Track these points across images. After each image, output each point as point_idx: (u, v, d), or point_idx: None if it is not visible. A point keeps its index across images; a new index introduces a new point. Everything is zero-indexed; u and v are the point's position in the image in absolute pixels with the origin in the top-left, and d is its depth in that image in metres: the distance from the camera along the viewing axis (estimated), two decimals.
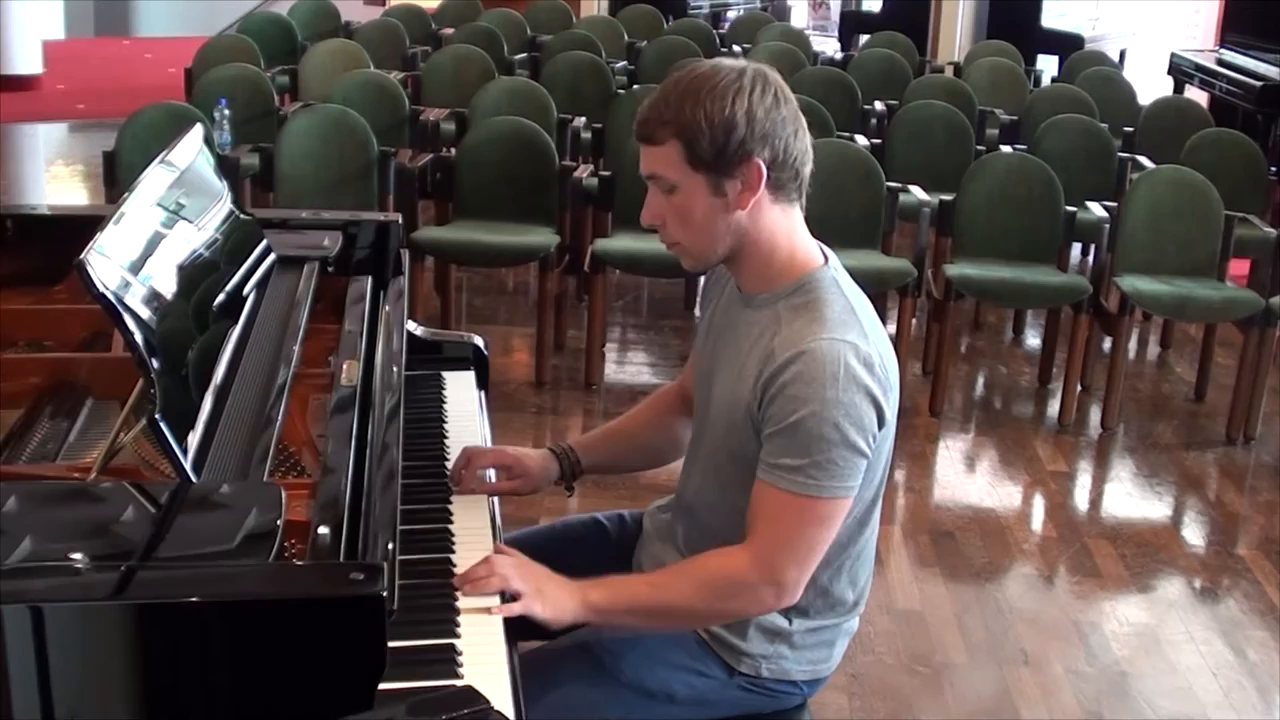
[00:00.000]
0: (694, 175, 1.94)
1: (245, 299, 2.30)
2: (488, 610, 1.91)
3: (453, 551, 2.11)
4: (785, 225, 2.02)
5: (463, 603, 1.91)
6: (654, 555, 2.27)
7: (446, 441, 2.50)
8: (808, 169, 2.00)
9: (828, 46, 11.02)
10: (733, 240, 2.00)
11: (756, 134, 1.92)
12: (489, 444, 2.57)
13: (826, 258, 2.07)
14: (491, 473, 2.34)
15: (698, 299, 3.26)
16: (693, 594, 2.02)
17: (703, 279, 2.35)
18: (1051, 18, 10.80)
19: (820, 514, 1.96)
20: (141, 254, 1.96)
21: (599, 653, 2.09)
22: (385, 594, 1.52)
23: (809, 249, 2.06)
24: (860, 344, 1.94)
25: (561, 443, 2.41)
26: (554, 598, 1.96)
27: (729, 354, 2.08)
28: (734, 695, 2.14)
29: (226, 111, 5.91)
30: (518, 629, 1.93)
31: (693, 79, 1.94)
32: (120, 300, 1.79)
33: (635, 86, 7.32)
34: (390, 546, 1.78)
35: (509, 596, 1.94)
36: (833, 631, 2.18)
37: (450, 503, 2.25)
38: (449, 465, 2.39)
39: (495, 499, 2.31)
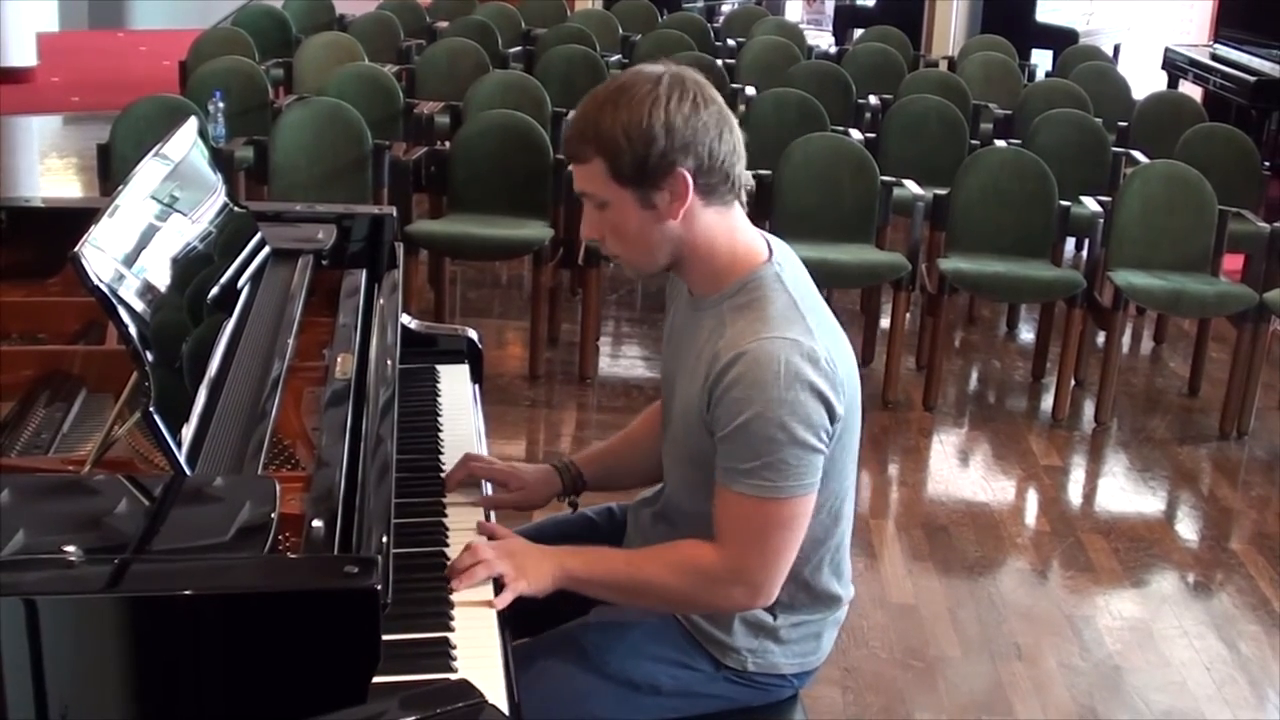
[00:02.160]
0: (621, 190, 1.92)
1: (239, 292, 2.30)
2: (488, 604, 1.91)
3: (446, 545, 2.10)
4: (723, 226, 2.00)
5: (457, 596, 1.91)
6: None
7: (441, 435, 2.50)
8: (739, 167, 1.97)
9: (822, 40, 11.03)
10: (671, 249, 1.98)
11: (677, 144, 1.89)
12: (483, 437, 2.57)
13: (772, 252, 2.04)
14: (489, 487, 2.32)
15: None
16: (666, 576, 2.02)
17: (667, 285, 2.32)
18: (1046, 12, 10.79)
19: (781, 515, 1.95)
20: (136, 247, 1.96)
21: (586, 646, 2.10)
22: (379, 587, 1.52)
23: (752, 246, 2.04)
24: (803, 340, 1.92)
25: (563, 458, 2.39)
26: (534, 571, 1.98)
27: (683, 358, 2.07)
28: (721, 688, 2.14)
29: (221, 104, 5.91)
30: (511, 624, 1.93)
31: (609, 93, 1.92)
32: (115, 293, 1.79)
33: None
34: (384, 540, 1.78)
35: (499, 584, 1.95)
36: (819, 624, 2.17)
37: (444, 496, 2.25)
38: (443, 458, 2.39)
39: (488, 485, 2.31)
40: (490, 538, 2.10)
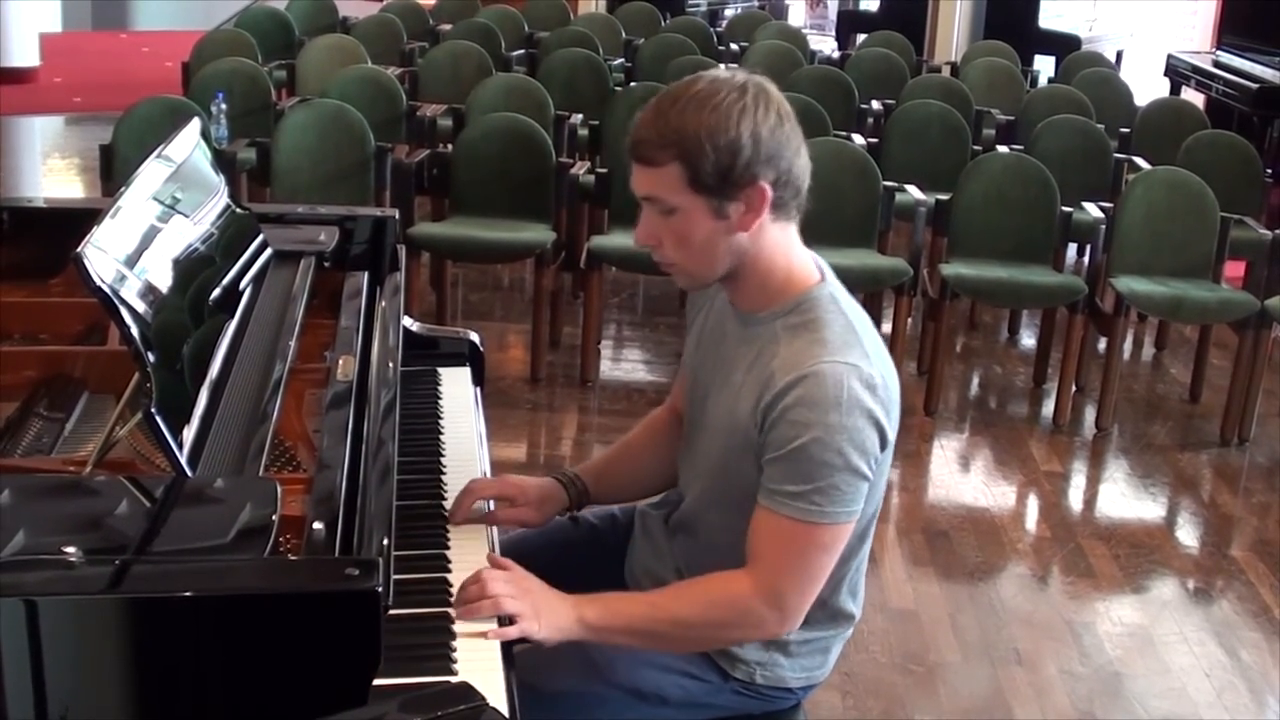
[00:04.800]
0: (695, 198, 1.87)
1: (241, 293, 2.30)
2: (484, 635, 1.85)
3: (447, 548, 2.10)
4: (784, 243, 1.97)
5: (459, 626, 1.87)
6: (646, 565, 2.23)
7: (442, 437, 2.50)
8: (806, 184, 1.95)
9: (825, 45, 11.02)
10: (732, 261, 1.94)
11: (762, 156, 1.85)
12: (484, 440, 2.56)
13: (823, 274, 2.02)
14: (492, 503, 2.25)
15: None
16: (693, 617, 1.98)
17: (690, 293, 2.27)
18: (1048, 18, 10.79)
19: (823, 540, 1.92)
20: (138, 248, 1.96)
21: (592, 653, 2.06)
22: (380, 589, 1.52)
23: (805, 265, 2.01)
24: (863, 365, 1.90)
25: (567, 470, 2.33)
26: (550, 618, 1.91)
27: (724, 372, 2.03)
28: (727, 699, 2.13)
29: (223, 106, 5.91)
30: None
31: (692, 96, 1.86)
32: (117, 294, 1.79)
33: (632, 84, 7.31)
34: (385, 542, 1.78)
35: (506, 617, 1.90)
36: (829, 640, 2.17)
37: (445, 499, 2.25)
38: (444, 461, 2.39)
39: (490, 502, 2.25)
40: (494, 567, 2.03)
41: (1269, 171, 6.45)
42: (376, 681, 1.53)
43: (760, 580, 1.94)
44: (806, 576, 1.95)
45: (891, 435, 1.94)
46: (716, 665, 2.11)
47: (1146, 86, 8.97)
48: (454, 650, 1.81)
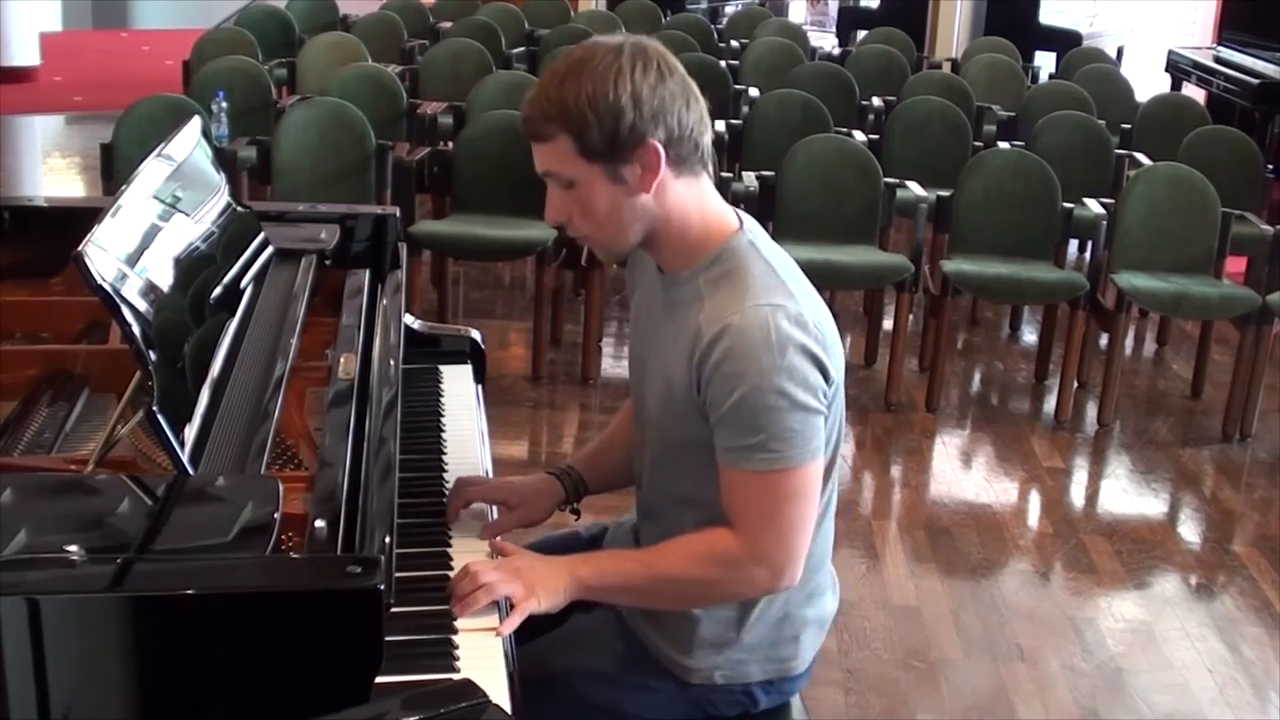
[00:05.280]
0: (589, 167, 1.85)
1: (243, 292, 2.30)
2: (494, 631, 1.85)
3: (449, 545, 2.10)
4: (694, 198, 1.93)
5: (461, 623, 1.86)
6: None
7: (444, 435, 2.50)
8: (707, 136, 1.91)
9: (825, 42, 11.02)
10: (643, 225, 1.91)
11: (646, 114, 1.82)
12: (485, 438, 2.56)
13: (742, 222, 1.99)
14: (495, 510, 2.23)
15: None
16: (684, 575, 1.96)
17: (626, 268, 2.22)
18: (1049, 14, 10.79)
19: (793, 486, 1.88)
20: (139, 246, 1.96)
21: (551, 670, 2.05)
22: (382, 587, 1.52)
23: (722, 217, 1.97)
24: (787, 304, 1.86)
25: (560, 464, 2.32)
26: (545, 588, 1.91)
27: (657, 340, 2.00)
28: (690, 703, 2.08)
29: (224, 104, 5.91)
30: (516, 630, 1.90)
31: (569, 66, 1.84)
32: (118, 292, 1.79)
33: None
34: (387, 540, 1.78)
35: (505, 602, 1.90)
36: (794, 624, 2.08)
37: (447, 497, 2.25)
38: (446, 459, 2.38)
39: (493, 508, 2.23)
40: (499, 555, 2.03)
41: (1270, 167, 6.44)
42: (378, 679, 1.53)
43: (742, 539, 1.91)
44: (786, 525, 1.91)
45: (835, 373, 1.91)
46: (669, 673, 2.06)
47: (1147, 82, 8.97)
48: (456, 648, 1.81)
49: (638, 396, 2.10)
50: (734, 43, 8.82)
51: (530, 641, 2.04)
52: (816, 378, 1.87)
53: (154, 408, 1.70)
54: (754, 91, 7.02)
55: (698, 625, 2.04)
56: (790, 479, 1.88)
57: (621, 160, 1.85)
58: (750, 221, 2.01)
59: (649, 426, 2.06)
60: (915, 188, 5.56)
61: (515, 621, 1.87)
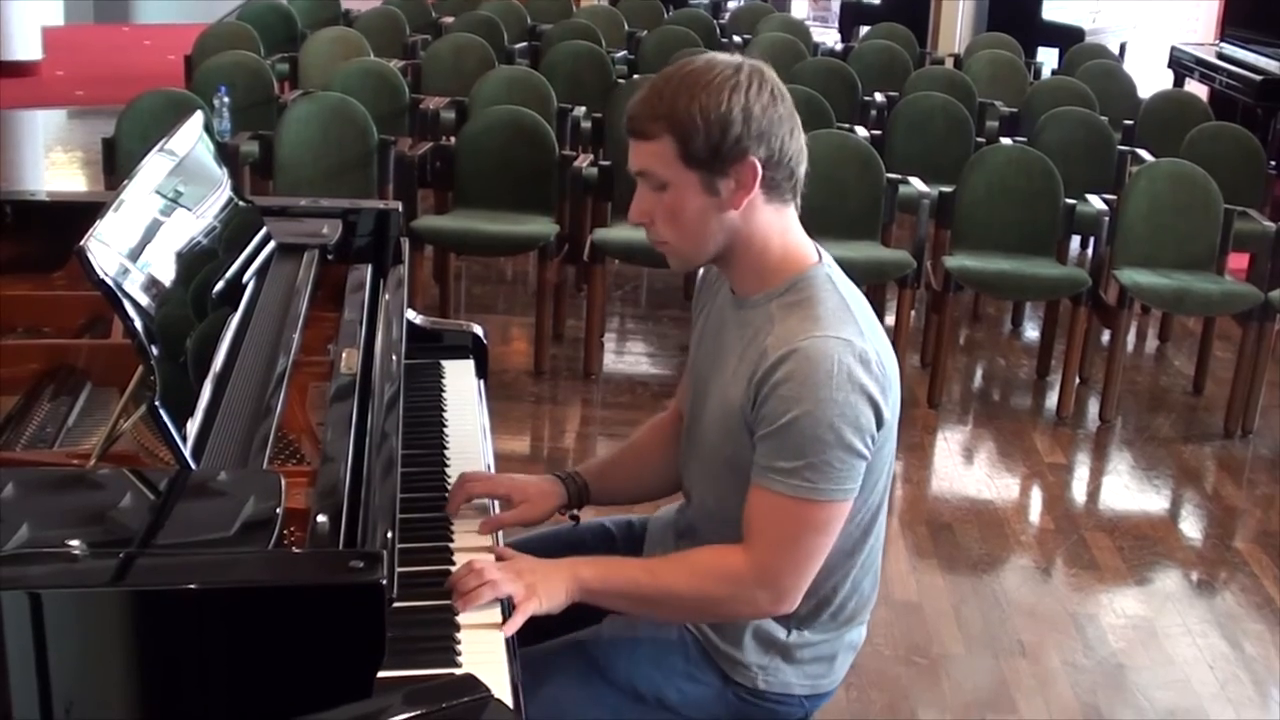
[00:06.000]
0: (687, 172, 1.88)
1: (245, 286, 2.30)
2: (497, 626, 1.85)
3: (451, 540, 2.10)
4: (778, 225, 1.97)
5: (463, 618, 1.86)
6: None
7: (446, 430, 2.50)
8: (802, 168, 1.96)
9: (828, 38, 11.01)
10: (723, 240, 1.94)
11: (753, 132, 1.87)
12: (488, 433, 2.55)
13: (820, 256, 2.02)
14: (496, 505, 2.23)
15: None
16: (685, 588, 1.97)
17: (698, 279, 2.26)
18: (1052, 10, 10.78)
19: (817, 518, 1.90)
20: (141, 241, 1.96)
21: (594, 652, 2.06)
22: (384, 582, 1.52)
23: (802, 247, 2.01)
24: (856, 340, 1.88)
25: (566, 469, 2.32)
26: (547, 590, 1.92)
27: (721, 359, 2.02)
28: (729, 705, 2.10)
29: (226, 99, 5.91)
30: (520, 630, 1.90)
31: (687, 73, 1.89)
32: (120, 287, 1.79)
33: (635, 76, 7.30)
34: (389, 535, 1.78)
35: (506, 603, 1.90)
36: (833, 644, 2.12)
37: (449, 492, 2.24)
38: (448, 454, 2.38)
39: (495, 503, 2.23)
40: (498, 559, 2.03)
41: (1273, 164, 6.44)
42: (380, 674, 1.53)
43: (754, 558, 1.93)
44: (801, 555, 1.92)
45: (889, 415, 1.92)
46: (716, 666, 2.08)
47: (1150, 79, 8.95)
48: (458, 642, 1.81)
49: (694, 419, 2.12)
50: (736, 38, 8.81)
51: (531, 644, 2.03)
52: (869, 420, 1.88)
53: (156, 402, 1.70)
54: None
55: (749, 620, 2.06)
56: (816, 511, 1.90)
57: (720, 172, 1.89)
58: (828, 257, 2.04)
59: (703, 442, 2.07)
60: (917, 183, 5.56)
61: (517, 622, 1.88)
